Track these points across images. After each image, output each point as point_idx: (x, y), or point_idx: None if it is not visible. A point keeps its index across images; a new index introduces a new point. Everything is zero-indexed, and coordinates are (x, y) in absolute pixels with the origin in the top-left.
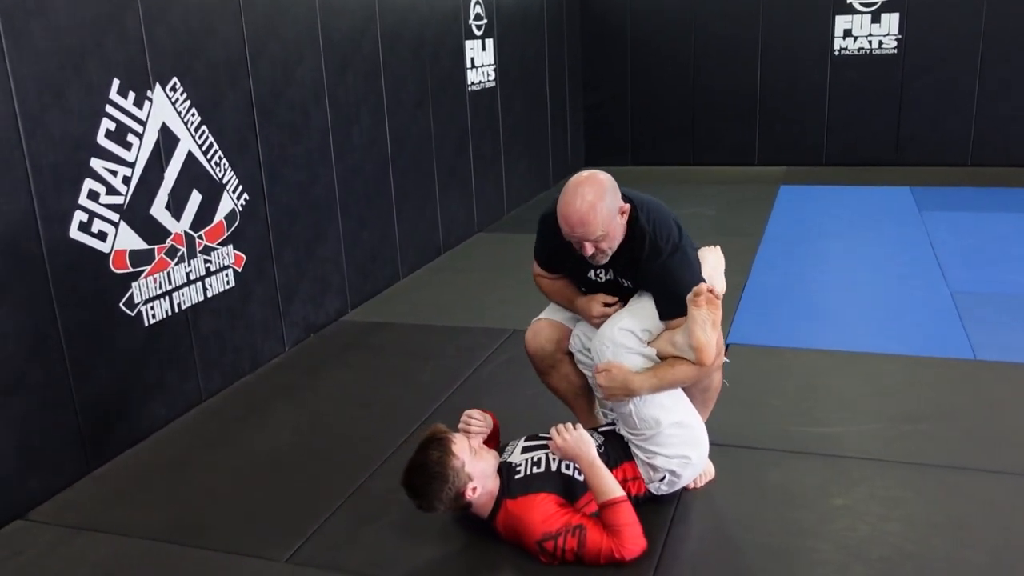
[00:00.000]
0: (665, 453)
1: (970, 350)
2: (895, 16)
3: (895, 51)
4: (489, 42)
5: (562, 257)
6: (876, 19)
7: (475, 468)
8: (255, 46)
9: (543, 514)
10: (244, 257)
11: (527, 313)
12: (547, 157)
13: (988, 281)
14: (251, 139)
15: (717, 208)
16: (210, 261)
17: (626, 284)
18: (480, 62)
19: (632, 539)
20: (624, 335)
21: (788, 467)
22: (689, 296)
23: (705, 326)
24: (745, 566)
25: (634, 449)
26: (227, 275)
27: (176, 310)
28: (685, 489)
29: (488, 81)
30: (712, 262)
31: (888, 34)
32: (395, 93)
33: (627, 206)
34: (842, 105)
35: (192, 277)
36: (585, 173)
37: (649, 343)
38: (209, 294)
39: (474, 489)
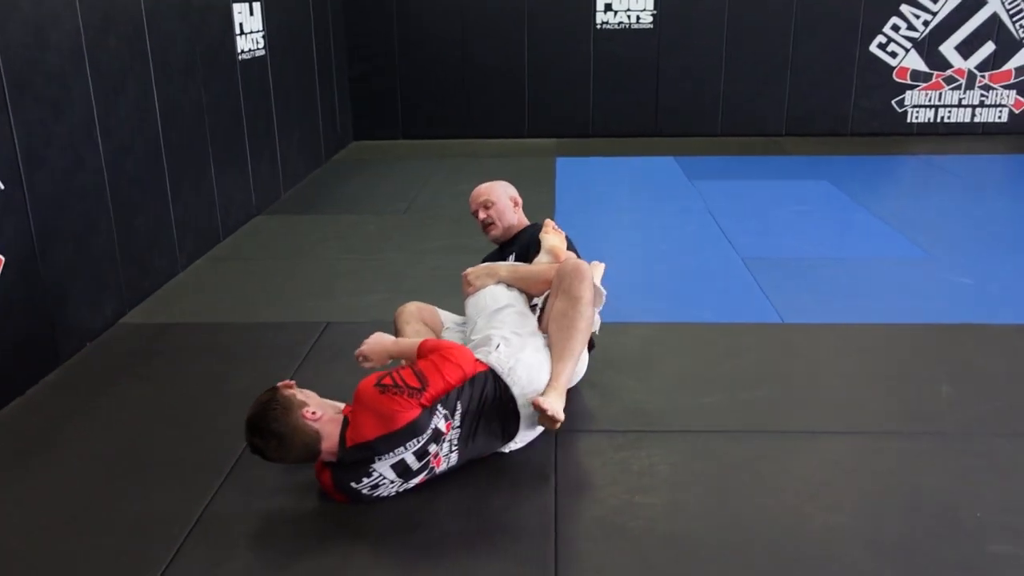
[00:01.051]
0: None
1: (776, 314)
2: None
3: (651, 26)
4: (257, 6)
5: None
6: None
7: (307, 396)
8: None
9: (370, 378)
10: (2, 259)
11: (337, 305)
12: (319, 133)
13: (772, 247)
14: (3, 117)
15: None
16: None
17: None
18: (249, 27)
19: (452, 345)
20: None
21: (650, 447)
22: (541, 231)
23: (554, 240)
24: (643, 556)
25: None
26: None
27: None
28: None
29: (258, 49)
30: (598, 274)
31: (645, 8)
32: (162, 59)
33: (519, 199)
34: (606, 78)
35: None
36: None
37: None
38: None
39: (313, 413)
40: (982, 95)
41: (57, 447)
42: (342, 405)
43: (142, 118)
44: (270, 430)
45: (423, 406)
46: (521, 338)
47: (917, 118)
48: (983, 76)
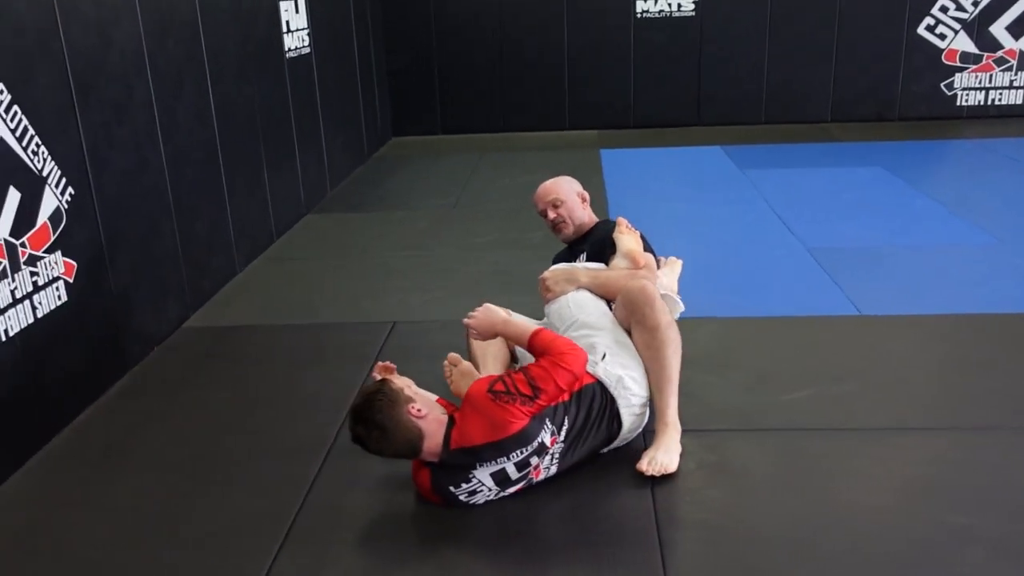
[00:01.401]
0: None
1: (852, 306)
2: None
3: (693, 13)
4: (302, 3)
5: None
6: None
7: (416, 392)
8: (65, 3)
9: (482, 382)
10: (75, 265)
11: (399, 304)
12: (360, 128)
13: (836, 236)
14: (71, 120)
15: (551, 175)
16: (37, 273)
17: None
18: (295, 25)
19: (566, 346)
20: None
21: (742, 447)
22: (616, 229)
23: (630, 242)
24: (752, 561)
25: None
26: (58, 288)
27: (3, 338)
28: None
29: (303, 47)
30: (676, 271)
31: None
32: (217, 60)
33: (586, 193)
34: (647, 67)
35: (19, 295)
36: None
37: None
38: (39, 313)
39: (419, 410)
40: None
41: (135, 454)
42: (434, 397)
43: (200, 119)
44: (374, 421)
45: (533, 415)
46: (626, 349)
47: (967, 101)
48: None
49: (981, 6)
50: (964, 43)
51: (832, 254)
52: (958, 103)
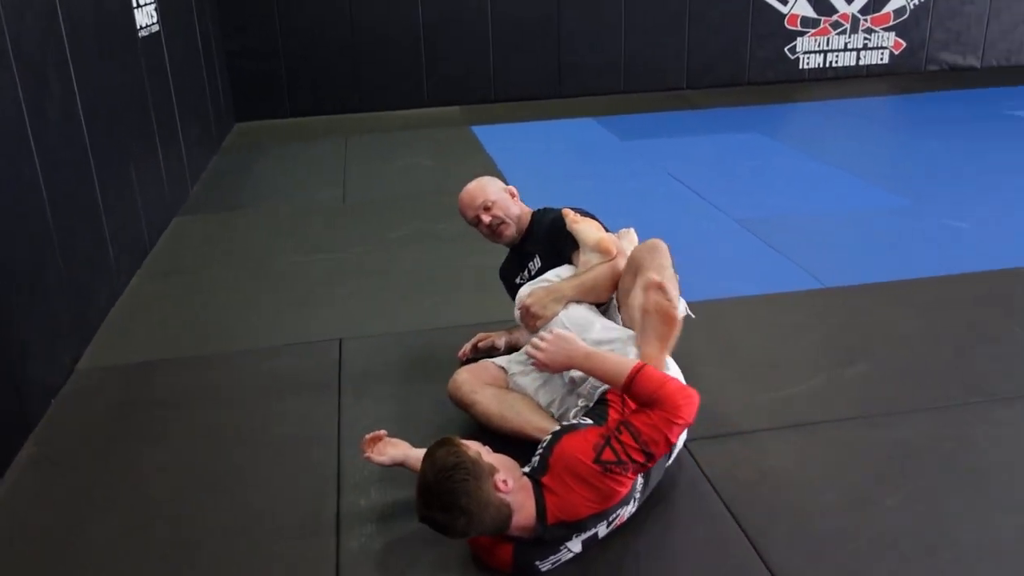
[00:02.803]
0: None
1: (812, 278)
2: None
3: None
4: None
5: (508, 281)
6: None
7: (494, 458)
8: None
9: (579, 443)
10: None
11: (339, 316)
12: (209, 116)
13: (756, 206)
14: None
15: (431, 157)
16: None
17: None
18: None
19: (679, 394)
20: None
21: (793, 445)
22: (568, 221)
23: (591, 231)
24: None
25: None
26: None
27: None
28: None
29: (153, 24)
30: (633, 241)
31: None
32: (75, 39)
33: (514, 188)
34: (505, 39)
35: None
36: None
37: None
38: None
39: (504, 482)
40: (865, 38)
41: (72, 547)
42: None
43: (66, 114)
44: (458, 505)
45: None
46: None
47: (808, 64)
48: (865, 20)
49: None
50: (804, 8)
51: (762, 225)
52: (800, 66)
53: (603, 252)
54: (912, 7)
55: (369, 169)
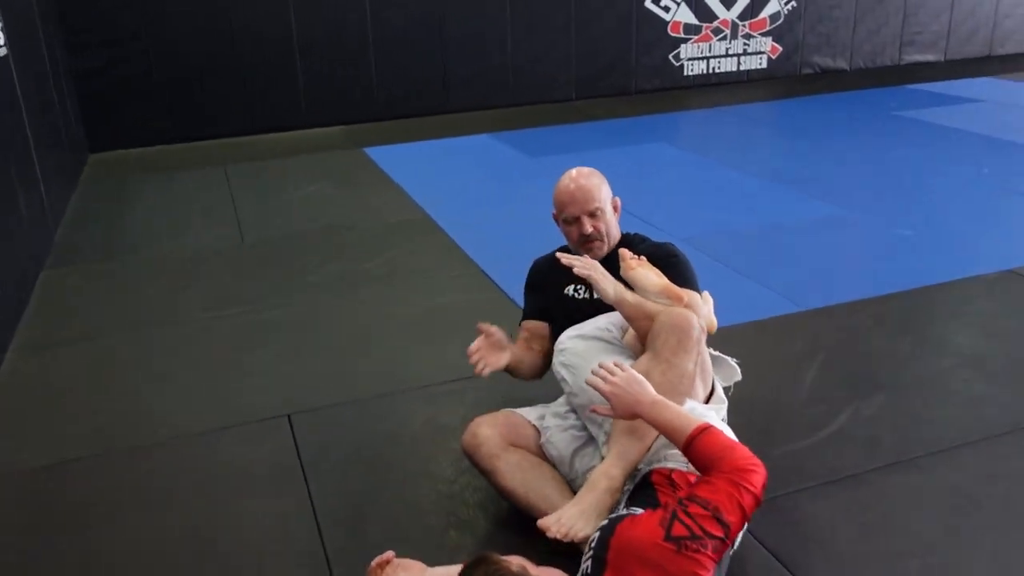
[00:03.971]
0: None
1: (790, 301)
2: None
3: None
4: None
5: (546, 289)
6: None
7: (539, 572)
8: None
9: (641, 526)
10: None
11: (279, 386)
12: (65, 148)
13: (695, 223)
14: None
15: (331, 184)
16: None
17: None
18: None
19: (748, 459)
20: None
21: (857, 495)
22: (623, 267)
23: (652, 277)
24: None
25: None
26: None
27: None
28: None
29: (1, 46)
30: (710, 304)
31: None
32: None
33: (618, 200)
34: (387, 54)
35: None
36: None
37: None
38: None
39: None
40: (745, 44)
41: None
42: (527, 563)
43: None
44: None
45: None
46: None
47: (692, 71)
48: (744, 25)
49: None
50: (686, 15)
51: (710, 243)
52: (685, 73)
53: (671, 298)
54: (786, 12)
55: (263, 202)
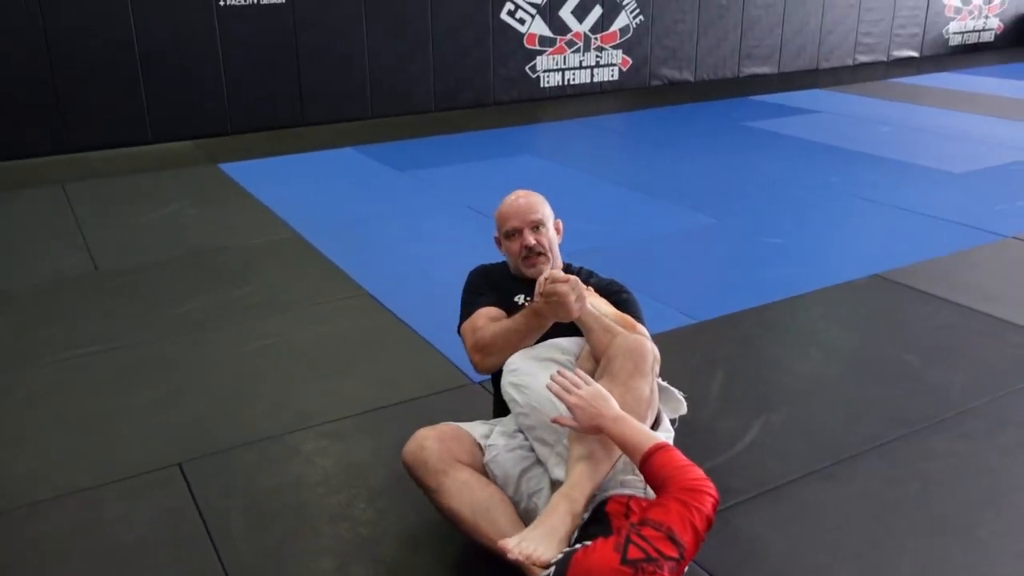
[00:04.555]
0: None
1: (683, 315)
2: None
3: (283, 1)
4: None
5: (497, 293)
6: None
7: None
8: None
9: (596, 555)
10: None
11: (161, 430)
12: None
13: (579, 236)
14: None
15: (189, 204)
16: None
17: None
18: None
19: (702, 481)
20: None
21: (807, 496)
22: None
23: (601, 305)
24: None
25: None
26: None
27: None
28: None
29: None
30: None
31: None
32: None
33: (560, 222)
34: (239, 64)
35: None
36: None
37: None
38: None
39: None
40: (597, 56)
41: None
42: None
43: None
44: None
45: None
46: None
47: (548, 82)
48: (596, 38)
49: None
50: (540, 27)
51: (596, 257)
52: (541, 84)
53: (625, 327)
54: (634, 26)
55: (114, 225)
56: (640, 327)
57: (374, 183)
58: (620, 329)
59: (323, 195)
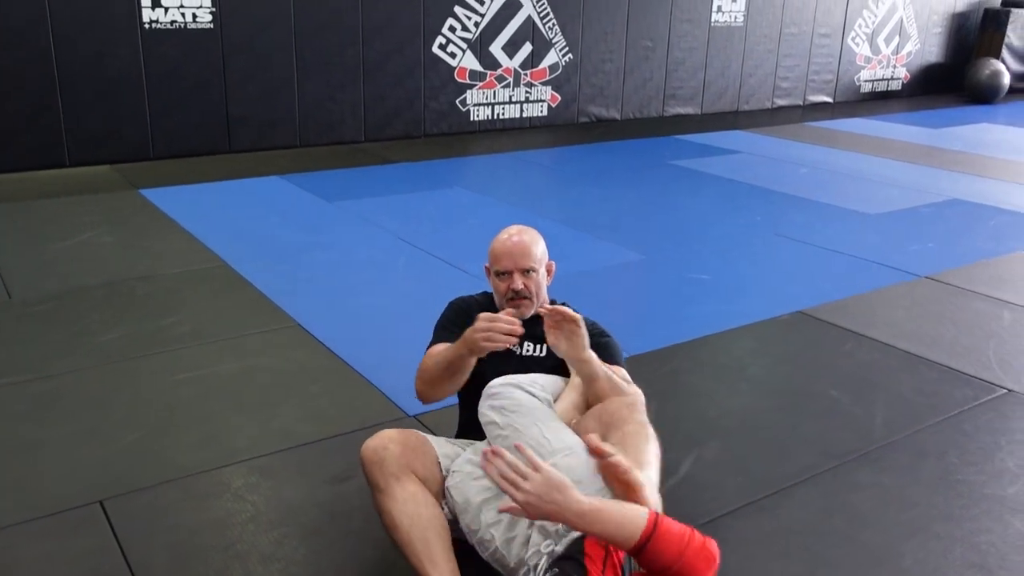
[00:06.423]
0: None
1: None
2: None
3: (211, 25)
4: None
5: (458, 334)
6: None
7: None
8: None
9: None
10: None
11: (77, 467)
12: None
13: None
14: None
15: (107, 231)
16: None
17: (534, 354)
18: None
19: (702, 557)
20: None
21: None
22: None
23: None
24: None
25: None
26: None
27: None
28: None
29: None
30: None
31: (201, 6)
32: None
33: (553, 264)
34: (163, 88)
35: None
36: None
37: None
38: None
39: None
40: (527, 91)
41: None
42: None
43: None
44: None
45: None
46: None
47: (478, 116)
48: (526, 74)
49: (481, 27)
50: (471, 62)
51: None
52: (471, 118)
53: (620, 377)
54: (564, 64)
55: (28, 251)
56: (621, 371)
57: (303, 212)
58: (627, 387)
59: (251, 223)
